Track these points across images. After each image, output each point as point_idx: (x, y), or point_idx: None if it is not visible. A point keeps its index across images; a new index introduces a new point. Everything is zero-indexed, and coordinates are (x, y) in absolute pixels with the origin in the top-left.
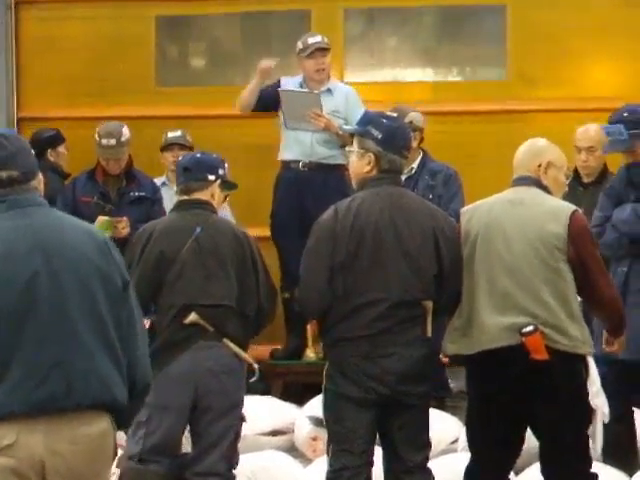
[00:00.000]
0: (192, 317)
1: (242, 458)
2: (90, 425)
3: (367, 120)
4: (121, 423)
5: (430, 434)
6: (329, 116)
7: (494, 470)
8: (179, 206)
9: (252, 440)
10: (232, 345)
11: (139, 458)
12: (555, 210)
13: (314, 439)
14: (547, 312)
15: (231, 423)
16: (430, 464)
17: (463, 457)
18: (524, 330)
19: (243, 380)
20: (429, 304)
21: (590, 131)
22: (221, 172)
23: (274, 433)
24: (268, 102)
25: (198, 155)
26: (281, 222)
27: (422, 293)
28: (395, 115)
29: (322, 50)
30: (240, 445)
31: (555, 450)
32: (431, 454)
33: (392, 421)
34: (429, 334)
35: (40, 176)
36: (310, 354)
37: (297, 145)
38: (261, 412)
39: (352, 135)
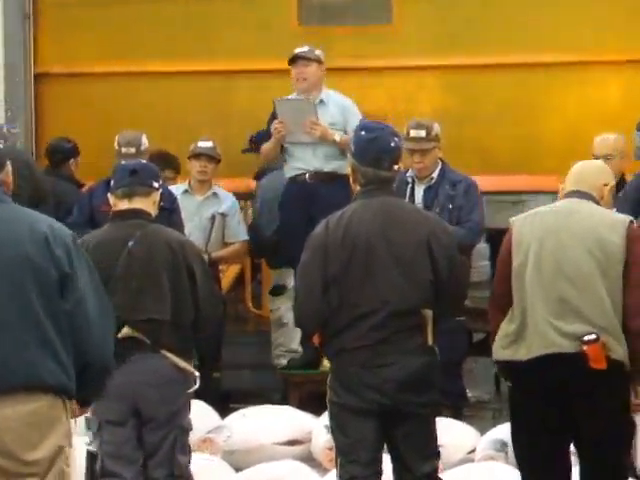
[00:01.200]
0: (125, 331)
1: (259, 468)
2: (20, 404)
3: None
4: (81, 403)
5: (447, 444)
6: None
7: None
8: (115, 217)
9: (269, 449)
10: (170, 355)
11: (101, 474)
12: (612, 220)
13: (331, 449)
14: (606, 321)
15: (168, 432)
16: (446, 474)
17: (480, 467)
18: (586, 338)
19: (184, 389)
20: (428, 312)
21: (608, 140)
22: (160, 183)
23: (291, 442)
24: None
25: (143, 162)
26: (290, 234)
27: (419, 301)
28: (381, 125)
29: (303, 59)
30: (257, 455)
31: (593, 465)
32: (448, 464)
33: (396, 431)
34: (430, 342)
35: (8, 168)
36: (327, 363)
37: (300, 162)
38: (278, 421)
39: None
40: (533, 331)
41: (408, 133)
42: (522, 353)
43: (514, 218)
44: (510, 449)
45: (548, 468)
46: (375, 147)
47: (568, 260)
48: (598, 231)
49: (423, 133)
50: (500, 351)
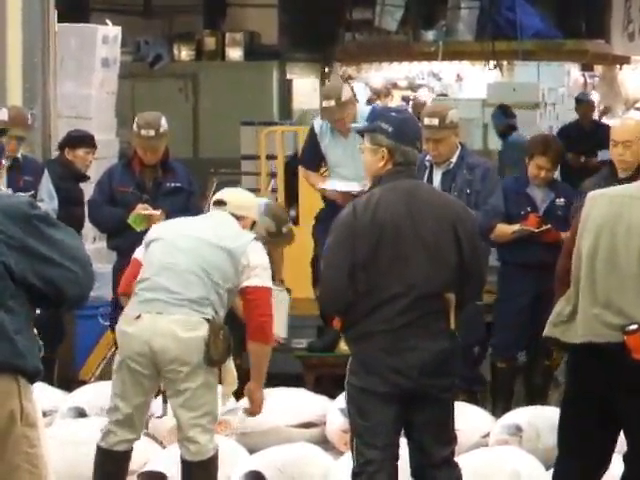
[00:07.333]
0: None
1: (273, 450)
2: None
3: (375, 116)
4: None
5: (461, 428)
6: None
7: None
8: None
9: (284, 432)
10: None
11: None
12: None
13: (346, 432)
14: None
15: None
16: (461, 458)
17: (494, 451)
18: (628, 329)
19: None
20: (451, 297)
21: (628, 125)
22: None
23: (306, 425)
24: (317, 160)
25: None
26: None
27: (443, 284)
28: (402, 109)
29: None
30: (272, 437)
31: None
32: (462, 448)
33: (416, 415)
34: (452, 326)
35: None
36: (344, 347)
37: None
38: (293, 404)
39: (362, 134)
40: (580, 318)
41: (423, 121)
42: (569, 336)
43: (592, 193)
44: (524, 433)
45: (588, 445)
46: (413, 126)
47: (620, 258)
48: None
49: (436, 121)
50: (550, 327)
